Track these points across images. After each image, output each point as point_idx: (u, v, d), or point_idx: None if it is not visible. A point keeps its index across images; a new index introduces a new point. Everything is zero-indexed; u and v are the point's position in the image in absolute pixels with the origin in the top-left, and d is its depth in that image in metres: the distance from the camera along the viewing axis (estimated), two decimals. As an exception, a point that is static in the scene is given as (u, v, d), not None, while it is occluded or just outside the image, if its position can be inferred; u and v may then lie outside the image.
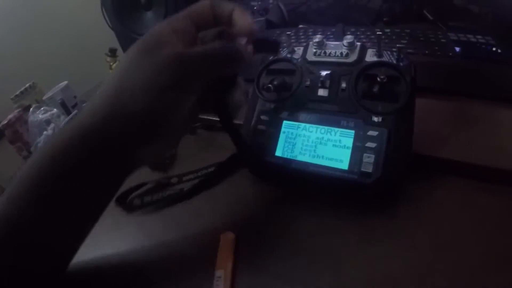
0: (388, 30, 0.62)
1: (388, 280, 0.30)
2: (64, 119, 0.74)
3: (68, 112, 0.76)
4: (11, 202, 0.28)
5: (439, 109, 0.45)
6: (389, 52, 0.39)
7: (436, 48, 0.57)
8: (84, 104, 0.33)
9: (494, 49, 0.53)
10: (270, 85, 0.40)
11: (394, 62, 0.38)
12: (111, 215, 0.35)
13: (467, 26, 0.66)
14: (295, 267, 0.33)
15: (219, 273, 0.33)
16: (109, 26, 0.85)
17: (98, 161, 0.30)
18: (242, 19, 0.33)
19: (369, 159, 0.34)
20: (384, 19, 0.72)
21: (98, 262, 0.38)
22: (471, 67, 0.52)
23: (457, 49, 0.55)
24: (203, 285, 0.33)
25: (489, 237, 0.32)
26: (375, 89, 0.37)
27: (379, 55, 0.39)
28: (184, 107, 0.31)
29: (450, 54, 0.55)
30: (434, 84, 0.49)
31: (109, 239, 0.40)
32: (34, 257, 0.29)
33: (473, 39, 0.59)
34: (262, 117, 0.41)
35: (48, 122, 0.72)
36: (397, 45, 0.39)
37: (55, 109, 0.74)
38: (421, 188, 0.37)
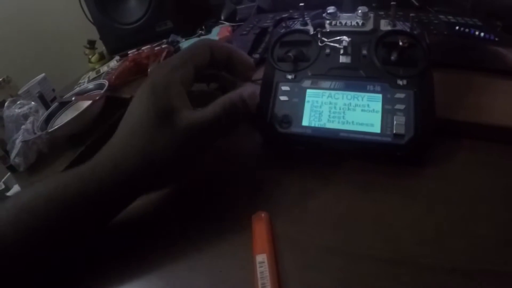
0: (382, 13, 0.63)
1: (434, 234, 0.30)
2: (43, 113, 0.69)
3: (46, 106, 0.71)
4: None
5: (442, 79, 0.46)
6: (401, 22, 0.40)
7: (432, 27, 0.59)
8: (103, 158, 0.34)
9: (481, 30, 0.56)
10: (290, 54, 0.39)
11: (409, 30, 0.38)
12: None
13: (451, 11, 0.69)
14: (341, 237, 0.31)
15: (260, 257, 0.29)
16: (88, 19, 0.81)
17: (122, 204, 0.34)
18: (243, 58, 0.39)
19: (400, 120, 0.34)
20: (373, 4, 0.73)
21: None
22: (466, 44, 0.54)
23: (457, 27, 0.56)
24: (243, 275, 0.29)
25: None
26: (394, 55, 0.38)
27: (393, 24, 0.39)
28: (196, 160, 0.36)
29: (445, 32, 0.57)
30: (433, 58, 0.50)
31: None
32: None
33: (462, 21, 0.61)
34: (283, 88, 0.39)
35: (25, 116, 0.67)
36: (410, 15, 0.39)
37: (32, 103, 0.69)
38: (444, 151, 0.37)
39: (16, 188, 0.65)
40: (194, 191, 0.40)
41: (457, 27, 0.57)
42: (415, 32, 0.38)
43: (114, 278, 0.32)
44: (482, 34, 0.54)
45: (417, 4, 0.72)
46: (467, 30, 0.56)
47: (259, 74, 0.43)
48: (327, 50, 0.39)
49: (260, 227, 0.32)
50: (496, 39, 0.53)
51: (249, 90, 0.35)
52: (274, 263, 0.29)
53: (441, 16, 0.63)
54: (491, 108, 0.40)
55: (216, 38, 0.65)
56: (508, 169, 0.35)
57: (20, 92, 0.72)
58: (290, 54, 0.39)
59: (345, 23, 0.40)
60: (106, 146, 0.34)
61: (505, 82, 0.45)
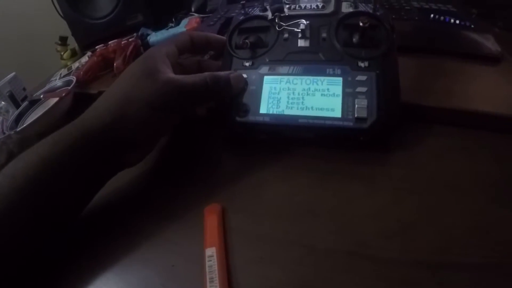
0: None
1: (398, 225, 0.29)
2: (13, 113, 0.67)
3: (17, 105, 0.69)
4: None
5: (412, 65, 0.45)
6: (364, 4, 0.39)
7: (402, 13, 0.58)
8: (88, 110, 0.36)
9: (455, 16, 0.55)
10: (246, 41, 0.38)
11: (371, 11, 0.38)
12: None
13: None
14: (295, 228, 0.30)
15: (210, 251, 0.28)
16: (59, 14, 0.79)
17: (99, 160, 0.34)
18: (217, 38, 0.43)
19: (362, 103, 0.33)
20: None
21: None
22: (437, 29, 0.53)
23: (431, 16, 0.55)
24: (196, 269, 0.28)
25: (483, 176, 0.32)
26: (356, 37, 0.37)
27: (355, 6, 0.39)
28: (170, 123, 0.39)
29: (416, 18, 0.56)
30: (403, 43, 0.49)
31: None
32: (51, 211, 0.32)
33: (435, 7, 0.60)
34: (240, 75, 0.38)
35: (-5, 117, 0.65)
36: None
37: (2, 102, 0.67)
38: (410, 136, 0.36)
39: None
40: (148, 183, 0.39)
41: (431, 14, 0.56)
42: (377, 13, 0.37)
43: (66, 275, 0.31)
44: (457, 21, 0.53)
45: (391, -11, 0.71)
46: (441, 17, 0.55)
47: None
48: (285, 35, 0.38)
49: (211, 220, 0.31)
50: (472, 26, 0.52)
51: (237, 73, 0.38)
52: (223, 257, 0.28)
53: (414, 3, 0.62)
54: (462, 93, 0.40)
55: (184, 29, 0.63)
56: (478, 155, 0.34)
57: (-11, 92, 0.69)
58: (247, 40, 0.38)
59: (305, 7, 0.39)
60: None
61: (477, 67, 0.44)
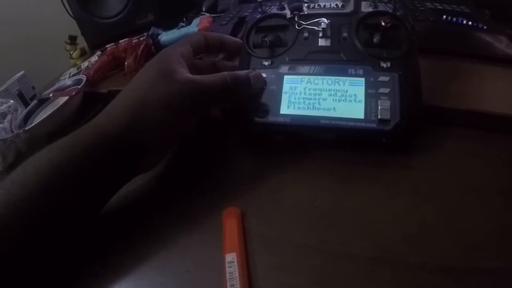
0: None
1: (419, 229, 0.28)
2: (22, 111, 0.66)
3: (26, 104, 0.69)
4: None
5: (427, 66, 0.44)
6: (383, 4, 0.38)
7: (417, 14, 0.57)
8: (101, 114, 0.34)
9: (469, 17, 0.54)
10: (266, 39, 0.37)
11: (391, 11, 0.37)
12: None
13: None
14: (315, 233, 0.29)
15: (230, 257, 0.27)
16: (68, 13, 0.79)
17: (114, 167, 0.33)
18: (232, 40, 0.42)
19: (385, 105, 0.32)
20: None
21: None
22: (453, 30, 0.52)
23: (445, 16, 0.55)
24: (212, 276, 0.27)
25: (502, 179, 0.31)
26: (376, 37, 0.36)
27: (375, 5, 0.38)
28: (188, 125, 0.36)
29: (431, 19, 0.55)
30: (419, 44, 0.49)
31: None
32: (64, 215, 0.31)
33: (449, 8, 0.60)
34: (259, 75, 0.37)
35: (4, 115, 0.65)
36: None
37: (11, 101, 0.67)
38: (429, 139, 0.36)
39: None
40: (164, 186, 0.38)
41: (444, 15, 0.55)
42: (397, 13, 0.36)
43: (82, 281, 0.30)
44: (469, 22, 0.52)
45: (404, -9, 0.71)
46: (454, 19, 0.54)
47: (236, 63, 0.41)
48: (305, 34, 0.37)
49: (231, 224, 0.30)
50: (485, 27, 0.52)
51: (256, 72, 0.36)
52: (244, 263, 0.27)
53: (427, 3, 0.61)
54: (480, 95, 0.39)
55: (196, 29, 0.63)
56: (497, 159, 0.33)
57: (-1, 90, 0.69)
58: (266, 39, 0.37)
59: (324, 5, 0.38)
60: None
61: (493, 69, 0.43)
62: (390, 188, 0.32)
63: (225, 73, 0.35)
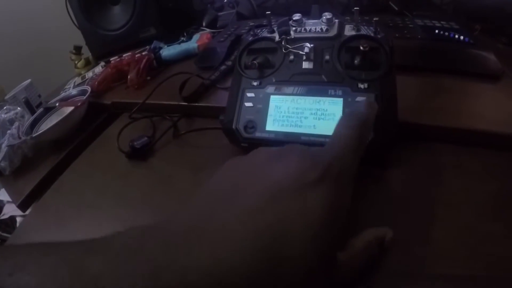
0: (358, 18, 0.64)
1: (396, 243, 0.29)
2: (28, 118, 0.70)
3: (32, 111, 0.72)
4: None
5: (413, 83, 0.47)
6: (365, 27, 0.41)
7: (405, 31, 0.60)
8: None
9: (457, 33, 0.56)
10: (254, 62, 0.40)
11: (372, 34, 0.39)
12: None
13: (430, 15, 0.69)
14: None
15: None
16: (74, 24, 0.82)
17: None
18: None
19: None
20: (352, 10, 0.74)
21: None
22: (439, 47, 0.55)
23: (432, 32, 0.57)
24: None
25: (476, 192, 0.33)
26: (357, 59, 0.39)
27: (357, 29, 0.40)
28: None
29: (419, 36, 0.58)
30: (406, 62, 0.51)
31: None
32: None
33: (438, 24, 0.62)
34: (248, 94, 0.40)
35: (11, 121, 0.68)
36: (374, 19, 0.40)
37: (18, 108, 0.70)
38: (407, 154, 0.38)
39: (2, 191, 0.66)
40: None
41: (435, 31, 0.58)
42: (378, 36, 0.39)
43: None
44: (458, 36, 0.55)
45: (396, 8, 0.73)
46: (442, 33, 0.57)
47: (228, 81, 0.44)
48: (291, 57, 0.40)
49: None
50: (471, 41, 0.54)
51: (390, 234, 0.29)
52: None
53: (417, 20, 0.64)
54: (459, 111, 0.41)
55: (196, 45, 0.66)
56: (472, 172, 0.35)
57: (6, 97, 0.73)
58: (255, 61, 0.40)
59: (310, 29, 0.41)
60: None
61: (477, 84, 0.46)
62: (364, 201, 0.34)
63: (372, 242, 0.28)
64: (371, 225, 0.31)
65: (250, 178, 0.23)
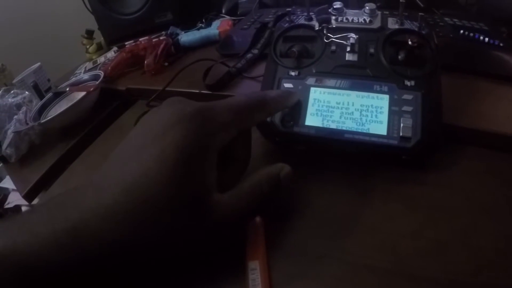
0: (387, 12, 0.61)
1: (435, 244, 0.29)
2: (36, 103, 0.67)
3: (41, 96, 0.69)
4: None
5: (449, 84, 0.45)
6: (409, 21, 0.38)
7: (437, 29, 0.57)
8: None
9: (487, 35, 0.54)
10: (294, 50, 0.37)
11: (417, 29, 0.37)
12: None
13: (458, 14, 0.67)
14: (334, 244, 0.30)
15: (253, 264, 0.28)
16: (87, 8, 0.79)
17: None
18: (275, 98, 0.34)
19: (407, 123, 0.33)
20: (377, 4, 0.72)
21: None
22: (471, 48, 0.53)
23: (461, 31, 0.55)
24: (236, 281, 0.27)
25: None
26: (401, 55, 0.36)
27: (401, 23, 0.38)
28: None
29: (451, 35, 0.56)
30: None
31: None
32: None
33: (468, 25, 0.60)
34: (286, 84, 0.38)
35: (19, 106, 0.65)
36: (419, 14, 0.38)
37: (26, 92, 0.67)
38: (445, 157, 0.36)
39: (7, 179, 0.64)
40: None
41: (462, 31, 0.56)
42: (423, 32, 0.37)
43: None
44: (487, 39, 0.53)
45: (422, 5, 0.71)
46: (472, 34, 0.55)
47: (259, 70, 0.41)
48: (333, 47, 0.38)
49: (253, 232, 0.30)
50: (501, 44, 0.52)
51: (286, 169, 0.30)
52: (266, 270, 0.28)
53: (447, 19, 0.61)
54: (494, 115, 0.39)
55: (217, 31, 0.63)
56: (510, 179, 0.34)
57: (14, 81, 0.70)
58: (294, 49, 0.38)
59: (352, 20, 0.38)
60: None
61: (508, 88, 0.44)
62: (407, 204, 0.32)
63: (258, 178, 0.29)
64: (415, 230, 0.30)
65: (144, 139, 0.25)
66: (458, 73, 0.47)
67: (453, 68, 0.48)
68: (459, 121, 0.39)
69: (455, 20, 0.62)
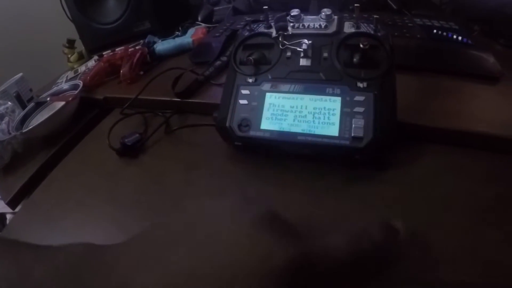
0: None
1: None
2: (19, 113, 0.68)
3: (23, 106, 0.71)
4: None
5: (411, 83, 0.46)
6: (365, 24, 0.40)
7: (405, 30, 0.59)
8: None
9: (456, 33, 0.56)
10: (250, 58, 0.39)
11: (372, 32, 0.38)
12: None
13: (429, 14, 0.69)
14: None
15: None
16: (67, 16, 0.81)
17: None
18: None
19: (359, 123, 0.34)
20: (350, 7, 0.73)
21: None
22: (438, 47, 0.54)
23: (431, 31, 0.56)
24: None
25: (475, 196, 0.33)
26: (356, 57, 0.38)
27: (357, 26, 0.39)
28: None
29: (418, 36, 0.57)
30: (405, 61, 0.50)
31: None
32: None
33: (437, 24, 0.61)
34: (243, 91, 0.39)
35: (1, 116, 0.66)
36: (374, 16, 0.39)
37: (9, 103, 0.68)
38: (406, 155, 0.37)
39: (-9, 188, 0.64)
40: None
41: (434, 30, 0.57)
42: (378, 34, 0.38)
43: None
44: (458, 37, 0.54)
45: (395, 7, 0.72)
46: (444, 33, 0.56)
47: (223, 77, 0.43)
48: (288, 53, 0.39)
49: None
50: (470, 42, 0.53)
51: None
52: None
53: (417, 20, 0.62)
54: (458, 112, 0.41)
55: (190, 39, 0.64)
56: (472, 175, 0.35)
57: (-3, 91, 0.71)
58: (250, 57, 0.39)
59: (308, 26, 0.40)
60: None
61: (476, 86, 0.45)
62: (362, 203, 0.33)
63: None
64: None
65: None
66: (425, 73, 0.48)
67: (420, 68, 0.49)
68: (422, 119, 0.40)
69: (425, 20, 0.63)
